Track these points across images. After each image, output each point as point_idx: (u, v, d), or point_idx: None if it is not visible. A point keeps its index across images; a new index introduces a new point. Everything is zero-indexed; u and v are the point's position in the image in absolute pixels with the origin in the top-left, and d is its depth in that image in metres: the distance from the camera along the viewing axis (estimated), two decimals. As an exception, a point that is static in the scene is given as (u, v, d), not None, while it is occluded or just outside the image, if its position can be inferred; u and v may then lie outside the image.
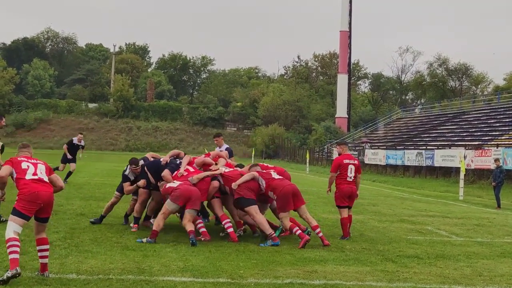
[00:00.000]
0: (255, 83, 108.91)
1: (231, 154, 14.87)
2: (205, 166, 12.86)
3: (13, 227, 7.99)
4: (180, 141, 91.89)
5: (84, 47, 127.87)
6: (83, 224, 12.93)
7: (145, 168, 12.92)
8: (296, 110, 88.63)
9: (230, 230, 11.89)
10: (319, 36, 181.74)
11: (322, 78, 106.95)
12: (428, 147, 46.75)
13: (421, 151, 45.32)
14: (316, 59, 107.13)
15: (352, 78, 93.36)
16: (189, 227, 11.23)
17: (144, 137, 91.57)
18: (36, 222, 8.28)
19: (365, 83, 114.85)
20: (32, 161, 8.52)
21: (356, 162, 13.25)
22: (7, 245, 7.92)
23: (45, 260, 8.23)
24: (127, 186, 13.03)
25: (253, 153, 67.07)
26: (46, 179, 8.37)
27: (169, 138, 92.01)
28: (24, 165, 8.34)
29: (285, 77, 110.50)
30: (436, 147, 45.28)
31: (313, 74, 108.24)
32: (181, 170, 12.40)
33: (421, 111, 73.80)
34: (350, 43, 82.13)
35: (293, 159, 71.67)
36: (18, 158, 8.51)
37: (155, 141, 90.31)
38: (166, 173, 12.50)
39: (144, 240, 11.09)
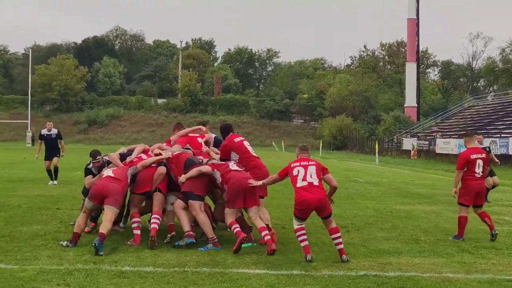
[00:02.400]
0: (321, 74, 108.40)
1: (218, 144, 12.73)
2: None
3: (296, 223, 9.50)
4: (247, 134, 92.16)
5: (152, 43, 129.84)
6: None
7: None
8: (364, 101, 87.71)
9: (136, 232, 10.21)
10: (386, 24, 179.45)
11: (389, 67, 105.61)
12: (502, 135, 45.56)
13: (495, 139, 44.18)
14: (383, 48, 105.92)
15: (421, 66, 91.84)
16: (103, 228, 9.66)
17: (212, 131, 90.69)
18: (321, 219, 9.63)
19: (434, 71, 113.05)
20: (304, 163, 9.54)
21: (484, 155, 11.71)
22: (296, 234, 9.45)
23: (340, 246, 9.40)
24: (88, 179, 11.68)
25: (321, 145, 66.83)
26: (316, 182, 9.36)
27: (237, 132, 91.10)
28: (295, 172, 9.47)
29: (351, 67, 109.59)
30: (510, 135, 44.07)
31: (380, 64, 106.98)
32: (132, 156, 11.16)
33: (493, 98, 71.87)
34: (418, 31, 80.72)
35: (361, 150, 71.02)
36: (292, 165, 9.60)
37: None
38: (113, 154, 11.34)
39: (64, 243, 9.90)
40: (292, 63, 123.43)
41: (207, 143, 11.84)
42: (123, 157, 11.34)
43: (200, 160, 10.92)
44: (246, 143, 11.23)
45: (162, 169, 10.64)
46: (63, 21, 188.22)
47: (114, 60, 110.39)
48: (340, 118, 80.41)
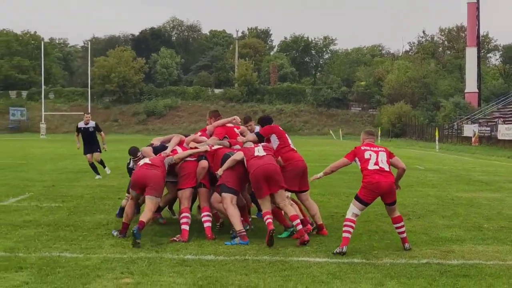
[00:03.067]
0: (379, 61, 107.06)
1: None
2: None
3: (353, 210, 9.19)
4: (304, 123, 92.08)
5: (208, 34, 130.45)
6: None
7: None
8: (423, 87, 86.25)
9: (185, 227, 9.90)
10: (445, 9, 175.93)
11: (449, 52, 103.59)
12: None
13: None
14: (442, 33, 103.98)
15: (482, 51, 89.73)
16: (143, 216, 9.66)
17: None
18: (385, 205, 9.39)
19: (495, 55, 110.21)
20: (374, 149, 9.44)
21: None
22: (344, 223, 9.13)
23: (403, 235, 9.34)
24: None
25: (379, 132, 66.17)
26: (387, 168, 9.24)
27: (294, 120, 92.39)
28: (366, 155, 9.32)
29: (410, 53, 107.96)
30: None
31: (440, 49, 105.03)
32: (168, 150, 10.80)
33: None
34: (478, 15, 78.88)
35: (421, 137, 70.02)
36: (362, 148, 9.47)
37: (280, 124, 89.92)
38: (146, 149, 11.14)
39: (115, 233, 10.05)
40: (349, 50, 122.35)
41: (242, 134, 11.58)
42: (156, 150, 11.08)
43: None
44: (287, 136, 11.06)
45: (204, 163, 10.37)
46: (121, 13, 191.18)
47: (171, 51, 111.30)
48: (398, 105, 79.33)
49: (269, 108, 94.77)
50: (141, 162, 10.33)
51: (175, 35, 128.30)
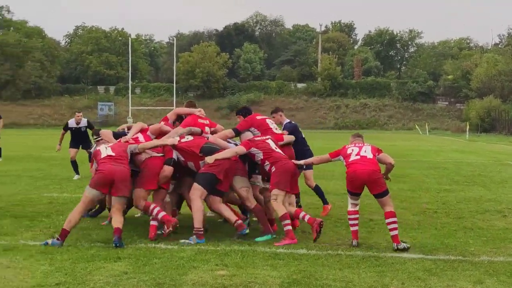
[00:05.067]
0: (466, 54, 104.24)
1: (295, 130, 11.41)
2: (161, 136, 10.25)
3: (349, 201, 9.25)
4: (389, 118, 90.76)
5: (291, 28, 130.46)
6: (305, 201, 13.02)
7: None
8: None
9: (153, 223, 9.49)
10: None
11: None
12: None
13: None
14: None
15: None
16: (115, 222, 8.99)
17: (352, 114, 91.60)
18: (375, 197, 9.10)
19: None
20: (359, 145, 9.45)
21: None
22: (348, 217, 9.22)
23: (394, 232, 8.82)
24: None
25: (467, 127, 64.53)
26: (369, 156, 9.14)
27: (378, 115, 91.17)
28: (349, 150, 9.34)
29: (499, 46, 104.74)
30: None
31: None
32: (129, 136, 10.06)
33: None
34: None
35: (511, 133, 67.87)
36: (346, 147, 9.49)
37: (364, 118, 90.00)
38: (106, 131, 10.54)
39: (49, 241, 8.90)
40: (436, 43, 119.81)
41: (214, 132, 10.78)
42: (116, 135, 10.53)
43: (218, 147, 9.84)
44: (269, 121, 10.67)
45: (168, 171, 9.65)
46: (205, 10, 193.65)
47: (255, 45, 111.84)
48: (487, 100, 77.04)
49: (353, 102, 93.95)
50: (102, 151, 9.51)
51: (258, 30, 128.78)
